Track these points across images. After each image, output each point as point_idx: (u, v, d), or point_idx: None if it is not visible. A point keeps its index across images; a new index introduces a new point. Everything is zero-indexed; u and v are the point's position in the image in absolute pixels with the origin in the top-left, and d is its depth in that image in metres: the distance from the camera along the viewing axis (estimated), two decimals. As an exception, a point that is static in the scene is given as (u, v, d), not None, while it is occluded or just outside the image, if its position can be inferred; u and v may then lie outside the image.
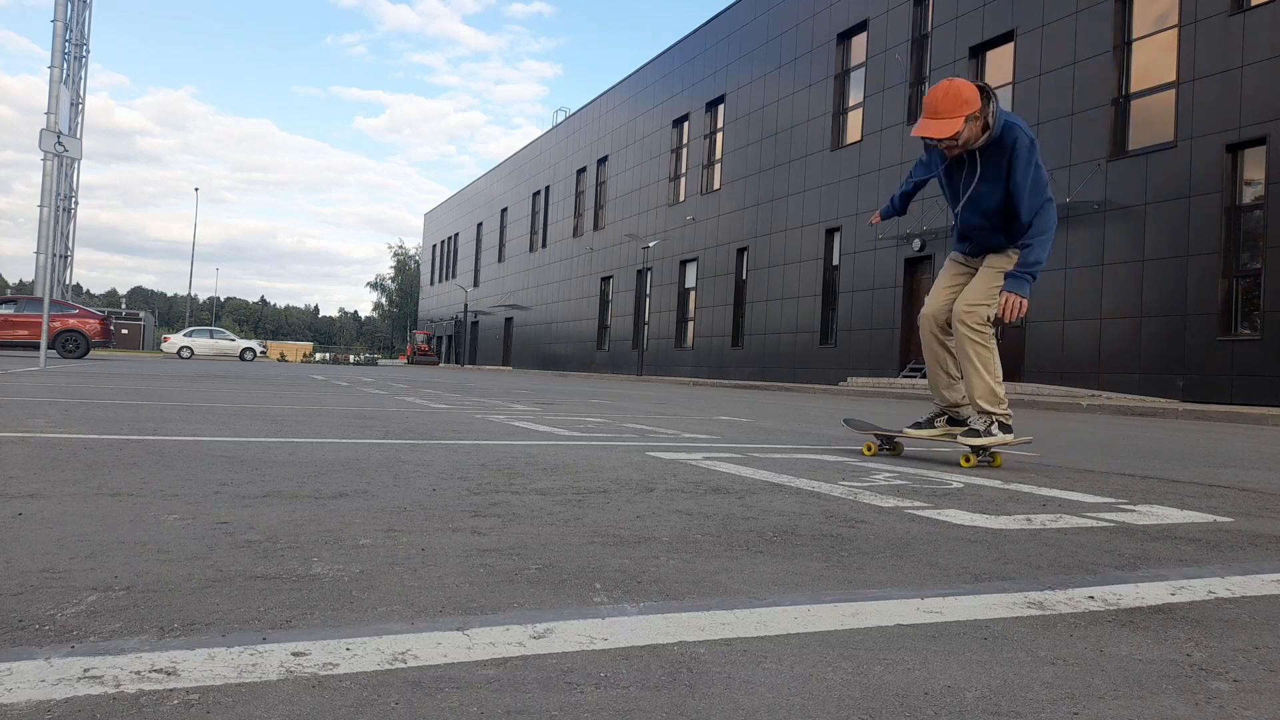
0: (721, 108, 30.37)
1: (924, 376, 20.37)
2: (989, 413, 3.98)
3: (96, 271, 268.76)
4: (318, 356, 77.51)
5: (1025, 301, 3.83)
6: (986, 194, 3.96)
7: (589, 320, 39.05)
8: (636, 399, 11.27)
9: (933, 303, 4.24)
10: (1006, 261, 4.02)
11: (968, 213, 4.06)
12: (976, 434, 3.96)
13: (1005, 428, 3.97)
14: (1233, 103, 14.77)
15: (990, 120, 3.81)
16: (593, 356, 38.23)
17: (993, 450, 4.01)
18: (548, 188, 45.43)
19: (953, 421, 4.26)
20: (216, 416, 5.10)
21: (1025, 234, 3.89)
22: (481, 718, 0.94)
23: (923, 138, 3.87)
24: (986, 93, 3.80)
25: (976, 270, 4.18)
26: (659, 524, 2.14)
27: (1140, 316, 16.07)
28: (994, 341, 4.03)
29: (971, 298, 4.04)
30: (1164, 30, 16.19)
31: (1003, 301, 3.85)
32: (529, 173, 48.16)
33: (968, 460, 3.91)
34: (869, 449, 4.34)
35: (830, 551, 1.89)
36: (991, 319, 4.00)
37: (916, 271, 21.17)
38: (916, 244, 20.62)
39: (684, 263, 31.85)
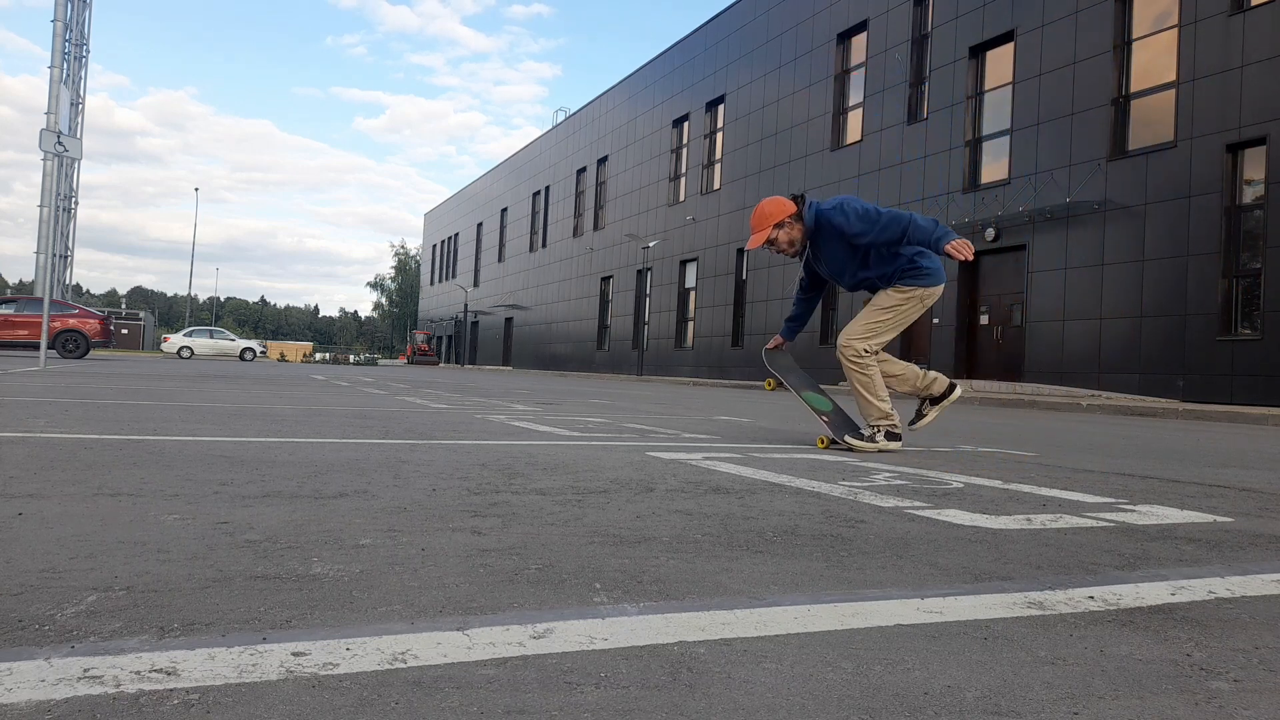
0: (721, 108, 30.37)
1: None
2: (878, 424, 4.58)
3: (96, 271, 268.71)
4: (318, 356, 77.50)
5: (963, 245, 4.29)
6: (844, 260, 4.62)
7: (589, 320, 39.04)
8: (636, 399, 11.27)
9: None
10: (887, 297, 4.62)
11: (850, 279, 4.71)
12: (862, 437, 4.54)
13: (892, 436, 4.57)
14: (1233, 103, 14.76)
15: (806, 220, 4.57)
16: (593, 356, 38.22)
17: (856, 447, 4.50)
18: (548, 188, 45.42)
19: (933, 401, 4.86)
20: (216, 416, 5.10)
21: (917, 246, 4.45)
22: (481, 718, 0.94)
23: (752, 249, 4.66)
24: (799, 199, 4.60)
25: None
26: (659, 524, 2.14)
27: (1140, 316, 16.06)
28: (873, 366, 4.64)
29: (851, 333, 4.64)
30: (1164, 30, 16.19)
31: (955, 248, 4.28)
32: (529, 173, 48.15)
33: (822, 442, 4.56)
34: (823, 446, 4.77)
35: (830, 551, 1.89)
36: (868, 350, 4.61)
37: (916, 271, 21.15)
38: (916, 244, 20.61)
39: (684, 263, 31.85)
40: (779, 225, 4.58)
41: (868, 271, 4.62)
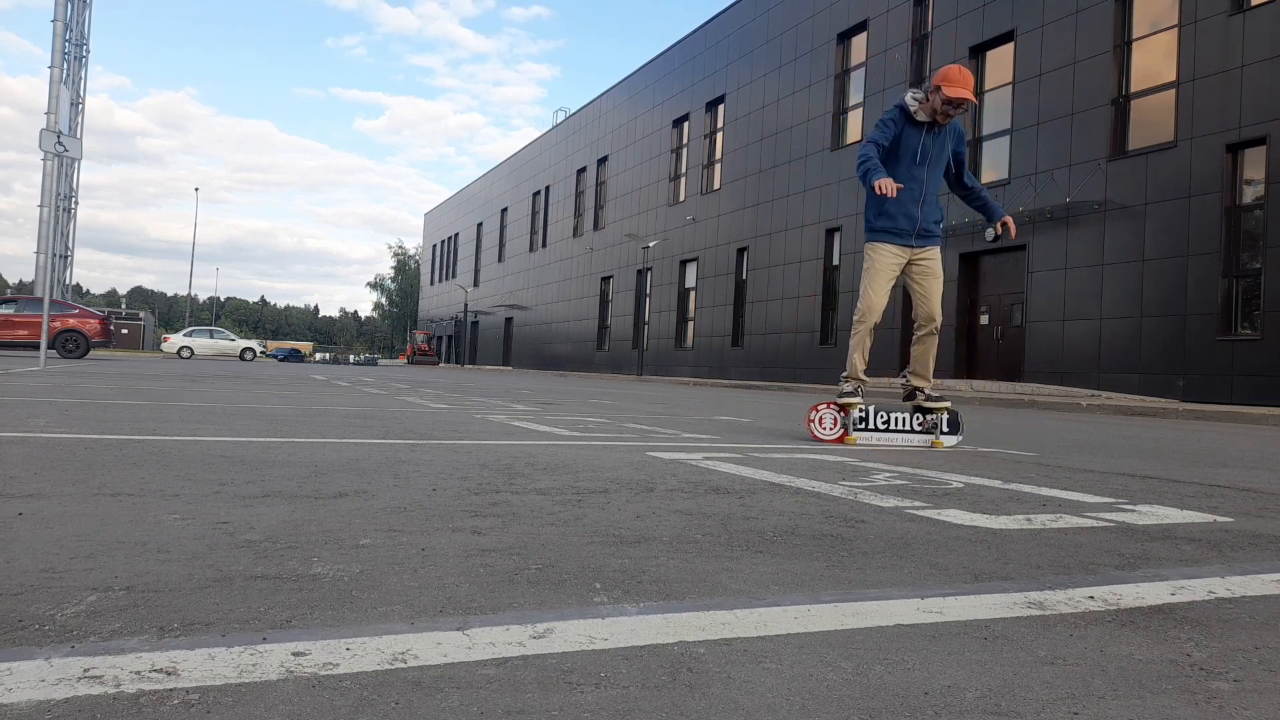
0: (721, 108, 30.37)
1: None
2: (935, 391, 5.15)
3: (96, 271, 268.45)
4: (317, 356, 77.46)
5: None
6: (941, 162, 4.92)
7: (589, 320, 39.04)
8: (636, 399, 11.27)
9: (882, 304, 4.96)
10: (939, 262, 5.01)
11: (932, 176, 4.90)
12: (936, 398, 5.05)
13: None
14: (1233, 103, 14.76)
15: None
16: (593, 356, 38.22)
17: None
18: (548, 188, 45.42)
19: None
20: (216, 416, 5.10)
21: (979, 189, 5.07)
22: (481, 718, 0.94)
23: (964, 99, 4.66)
24: None
25: (905, 261, 4.95)
26: (659, 524, 2.14)
27: (1140, 316, 16.06)
28: None
29: (939, 306, 4.97)
30: (1164, 30, 16.19)
31: (1011, 224, 5.00)
32: (529, 173, 48.16)
33: (938, 443, 4.90)
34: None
35: (830, 551, 1.89)
36: None
37: (916, 271, 21.15)
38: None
39: (684, 263, 31.85)
40: None
41: (938, 200, 4.97)
